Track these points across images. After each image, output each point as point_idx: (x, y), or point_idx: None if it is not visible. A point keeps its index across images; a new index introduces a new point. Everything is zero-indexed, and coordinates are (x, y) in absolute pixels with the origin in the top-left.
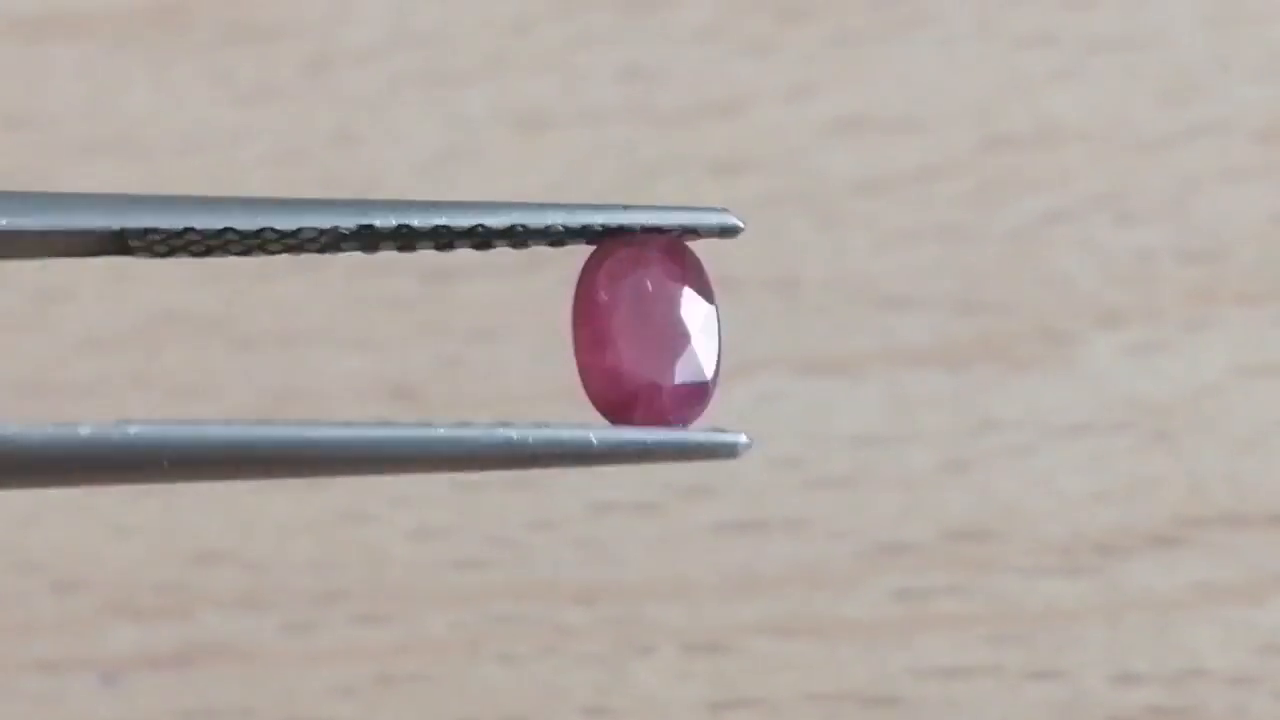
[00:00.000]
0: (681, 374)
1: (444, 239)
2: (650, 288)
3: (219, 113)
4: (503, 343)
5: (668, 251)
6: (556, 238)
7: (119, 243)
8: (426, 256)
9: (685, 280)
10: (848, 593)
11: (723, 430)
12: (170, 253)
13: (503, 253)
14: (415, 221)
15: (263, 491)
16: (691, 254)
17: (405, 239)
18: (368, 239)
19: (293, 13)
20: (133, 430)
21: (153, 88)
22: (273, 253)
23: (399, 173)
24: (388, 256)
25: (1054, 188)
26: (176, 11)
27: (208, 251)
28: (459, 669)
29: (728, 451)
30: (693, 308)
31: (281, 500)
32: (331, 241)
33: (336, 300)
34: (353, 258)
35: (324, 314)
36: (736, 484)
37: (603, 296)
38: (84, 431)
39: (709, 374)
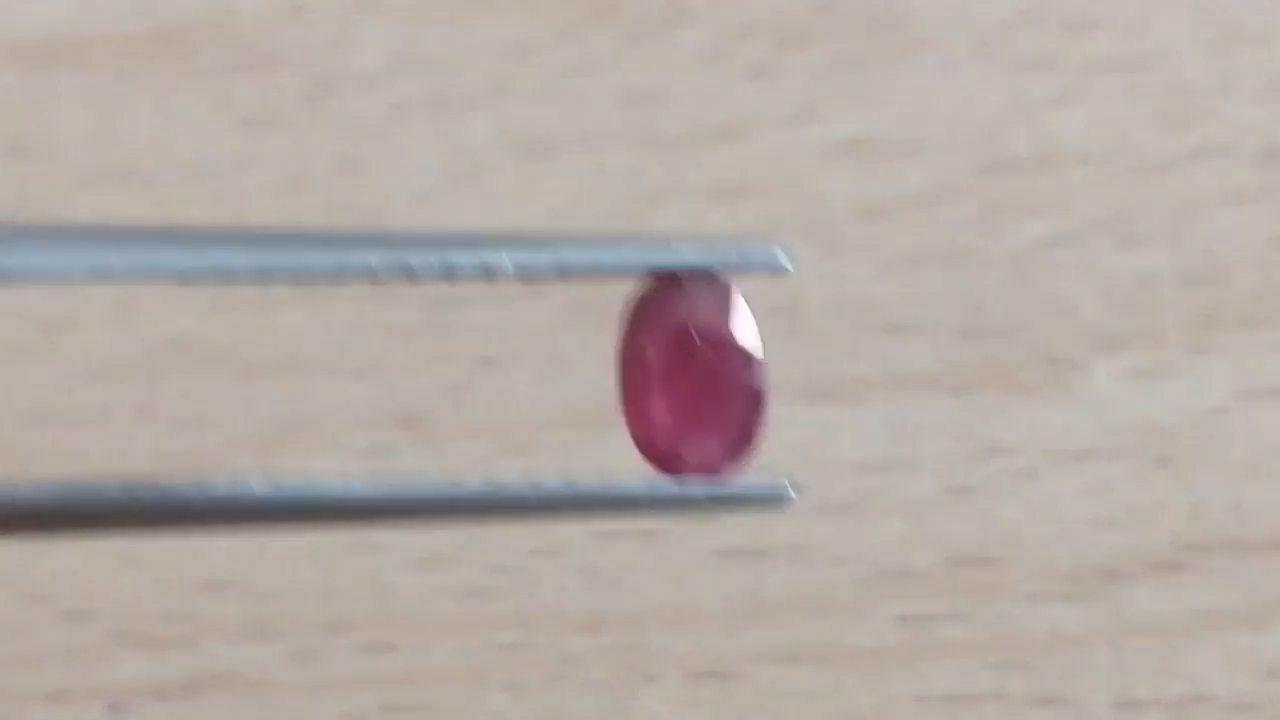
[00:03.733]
0: (728, 424)
1: (487, 275)
2: (696, 336)
3: (221, 139)
4: (507, 370)
5: (713, 294)
6: (598, 274)
7: None
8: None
9: (731, 325)
10: (852, 619)
11: (772, 483)
12: None
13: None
14: (458, 260)
15: None
16: (737, 296)
17: (447, 275)
18: (407, 277)
19: (295, 40)
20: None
21: (155, 115)
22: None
23: (401, 199)
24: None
25: (1055, 211)
26: (178, 39)
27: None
28: (465, 698)
29: (776, 501)
30: (739, 354)
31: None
32: (373, 277)
33: (340, 329)
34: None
35: (328, 342)
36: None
37: (647, 347)
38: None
39: (757, 423)
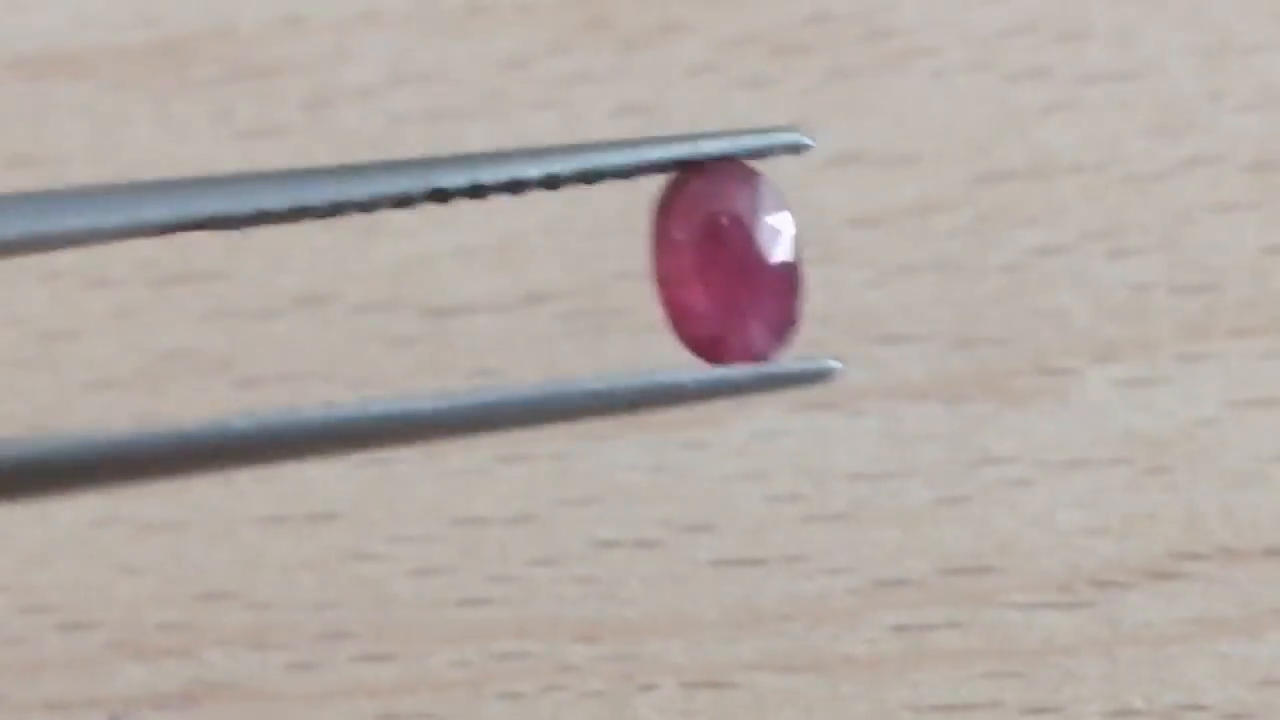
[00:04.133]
0: (767, 305)
1: (516, 188)
2: (726, 221)
3: (220, 150)
4: (505, 379)
5: (740, 179)
6: (626, 173)
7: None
8: (427, 291)
9: (761, 207)
10: (847, 628)
11: (812, 358)
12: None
13: (500, 291)
14: (486, 178)
15: (267, 531)
16: (765, 178)
17: (477, 192)
18: (440, 196)
19: (293, 51)
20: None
21: (154, 126)
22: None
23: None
24: (391, 293)
25: (1048, 221)
26: (177, 50)
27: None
28: (463, 707)
29: (821, 377)
30: (770, 235)
31: (285, 539)
32: (404, 201)
33: (337, 339)
34: (355, 294)
35: (325, 353)
36: (736, 520)
37: (679, 235)
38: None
39: (794, 300)
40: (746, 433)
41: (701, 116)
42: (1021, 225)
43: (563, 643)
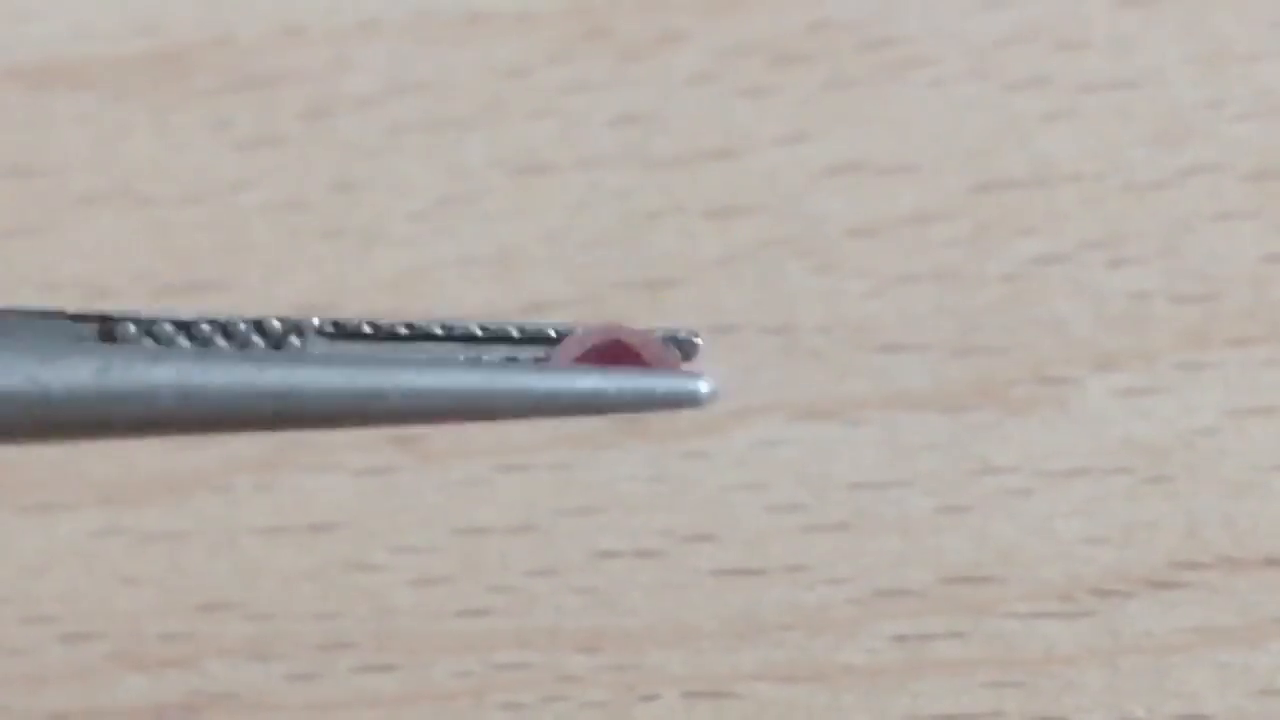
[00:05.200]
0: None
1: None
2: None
3: (219, 160)
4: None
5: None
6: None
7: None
8: (428, 302)
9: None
10: (847, 638)
11: (686, 373)
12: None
13: (500, 300)
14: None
15: (268, 541)
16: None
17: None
18: None
19: (292, 61)
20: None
21: (153, 136)
22: None
23: (398, 220)
24: (391, 304)
25: (1048, 230)
26: (176, 60)
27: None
28: (464, 717)
29: (689, 399)
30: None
31: (286, 550)
32: None
33: None
34: (355, 305)
35: None
36: (736, 530)
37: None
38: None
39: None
40: (746, 443)
41: (700, 125)
42: (1021, 234)
43: (564, 653)
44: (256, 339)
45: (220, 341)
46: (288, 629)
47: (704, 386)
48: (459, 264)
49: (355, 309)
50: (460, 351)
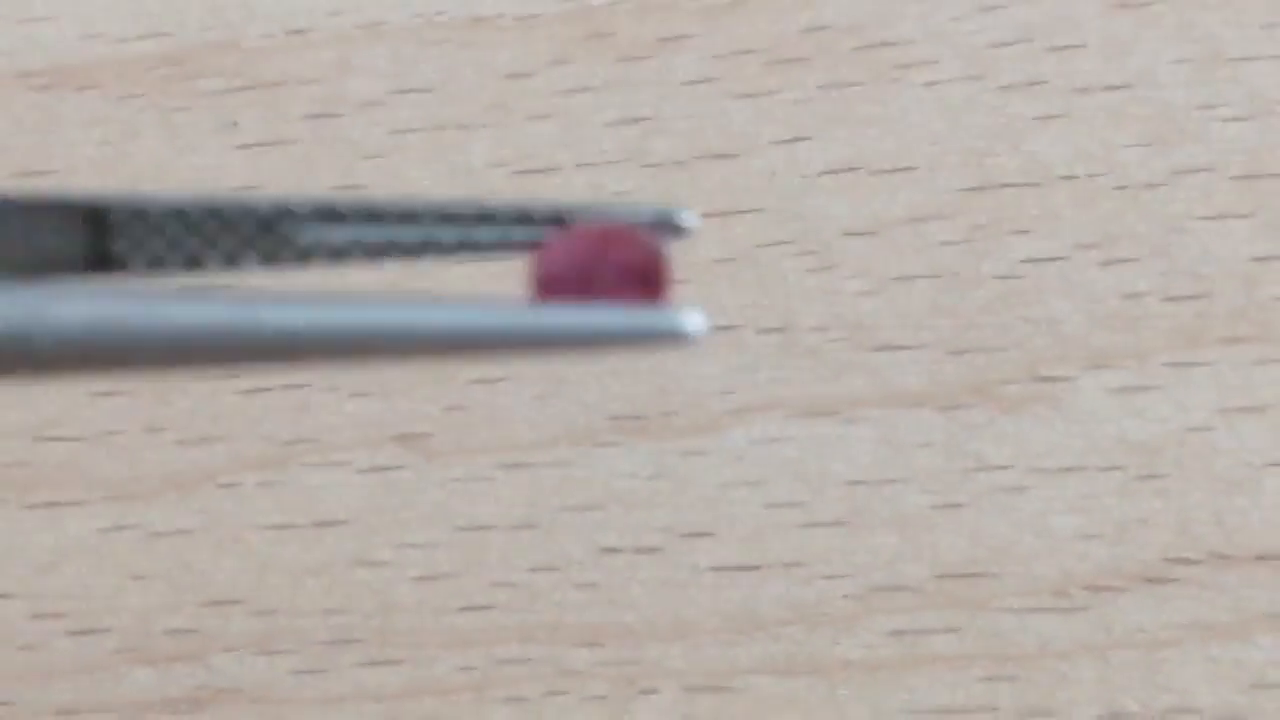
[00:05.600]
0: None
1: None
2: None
3: (225, 162)
4: (505, 389)
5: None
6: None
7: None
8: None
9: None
10: (844, 633)
11: (670, 310)
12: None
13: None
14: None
15: (274, 538)
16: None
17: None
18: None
19: (297, 63)
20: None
21: (160, 138)
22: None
23: None
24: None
25: (1042, 231)
26: (183, 63)
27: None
28: (467, 711)
29: (672, 335)
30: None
31: (292, 546)
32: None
33: None
34: None
35: None
36: (735, 526)
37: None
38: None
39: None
40: (745, 440)
41: (699, 127)
42: (1015, 235)
43: (565, 648)
44: (248, 223)
45: (212, 226)
46: (293, 624)
47: (688, 322)
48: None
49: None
50: (451, 231)
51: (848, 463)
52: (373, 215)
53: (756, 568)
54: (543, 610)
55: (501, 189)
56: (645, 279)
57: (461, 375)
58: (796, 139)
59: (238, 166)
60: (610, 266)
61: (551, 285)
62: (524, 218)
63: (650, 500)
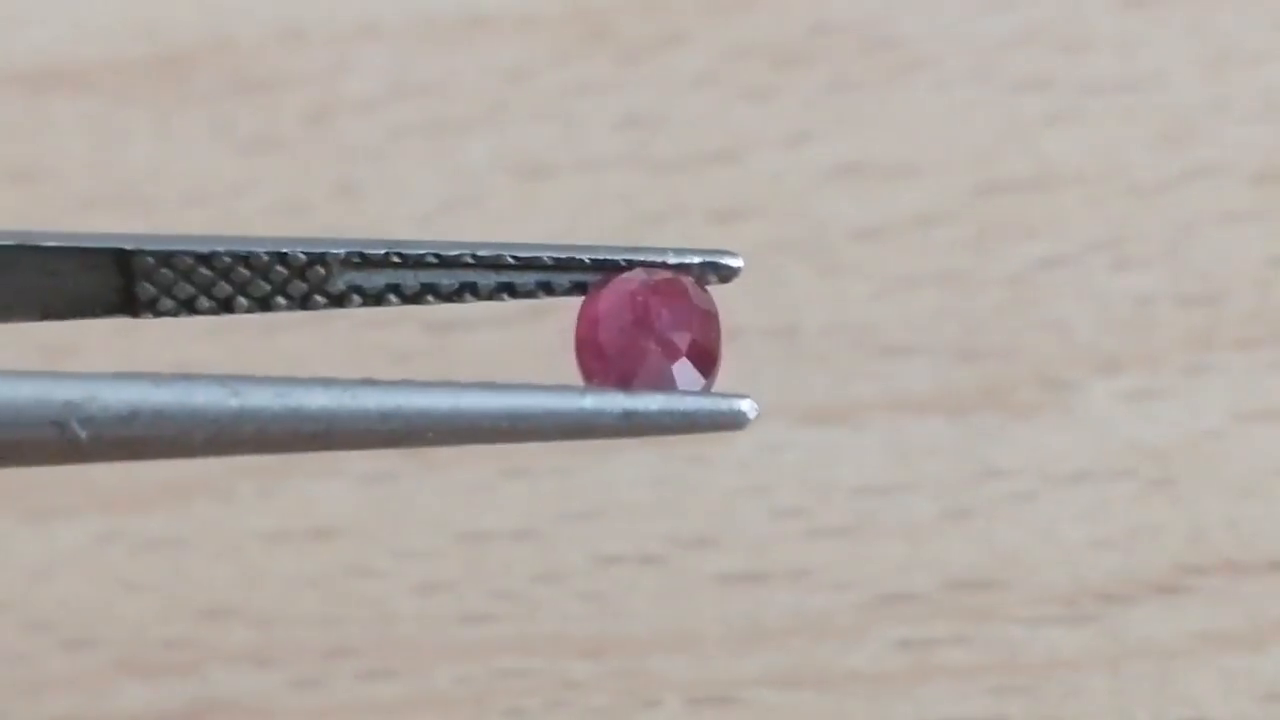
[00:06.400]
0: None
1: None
2: (638, 295)
3: (221, 164)
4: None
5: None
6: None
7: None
8: (429, 306)
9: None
10: (851, 643)
11: (726, 395)
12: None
13: (502, 305)
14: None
15: (269, 547)
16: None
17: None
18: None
19: (294, 64)
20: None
21: (154, 140)
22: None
23: (400, 222)
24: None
25: (1051, 233)
26: (178, 64)
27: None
28: None
29: (731, 421)
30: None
31: (288, 555)
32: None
33: (341, 353)
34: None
35: (329, 367)
36: (740, 535)
37: (592, 308)
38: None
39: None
40: (750, 447)
41: (703, 127)
42: (1024, 237)
43: (566, 659)
44: (279, 269)
45: (242, 272)
46: (290, 635)
47: (747, 408)
48: None
49: (358, 314)
50: (491, 277)
51: (854, 470)
52: (408, 262)
53: (762, 577)
54: (543, 620)
55: (502, 190)
56: (701, 355)
57: (460, 379)
58: (801, 140)
59: (234, 168)
60: (662, 320)
61: (597, 344)
62: (566, 264)
63: (653, 509)
